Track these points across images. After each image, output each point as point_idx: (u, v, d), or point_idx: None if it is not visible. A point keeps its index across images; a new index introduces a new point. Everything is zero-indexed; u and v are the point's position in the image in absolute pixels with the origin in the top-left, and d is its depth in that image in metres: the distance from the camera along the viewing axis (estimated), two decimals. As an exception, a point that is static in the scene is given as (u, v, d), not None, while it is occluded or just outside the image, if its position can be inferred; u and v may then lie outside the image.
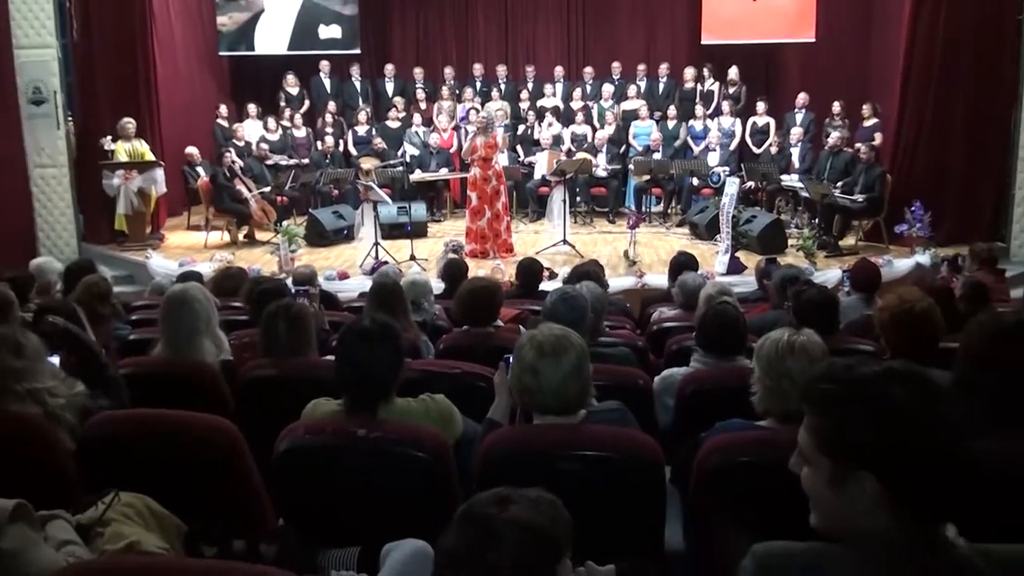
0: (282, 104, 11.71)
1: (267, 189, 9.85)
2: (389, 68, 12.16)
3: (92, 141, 9.36)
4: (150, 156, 9.45)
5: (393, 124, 11.40)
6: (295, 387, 2.90)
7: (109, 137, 9.28)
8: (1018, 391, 2.12)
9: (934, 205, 8.53)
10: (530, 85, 12.00)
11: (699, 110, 11.09)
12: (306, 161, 10.89)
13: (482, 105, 11.14)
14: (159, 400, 2.61)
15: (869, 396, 1.26)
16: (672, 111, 11.16)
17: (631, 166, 10.72)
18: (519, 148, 11.29)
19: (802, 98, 10.72)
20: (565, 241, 8.98)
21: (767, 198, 10.12)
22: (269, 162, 10.47)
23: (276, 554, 2.16)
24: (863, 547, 1.27)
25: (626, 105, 11.40)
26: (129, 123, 9.32)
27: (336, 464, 2.33)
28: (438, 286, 5.82)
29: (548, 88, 11.83)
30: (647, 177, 10.48)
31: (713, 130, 10.82)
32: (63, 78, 8.98)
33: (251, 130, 11.00)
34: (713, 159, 10.65)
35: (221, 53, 11.94)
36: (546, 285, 6.09)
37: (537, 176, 10.57)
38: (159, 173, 9.43)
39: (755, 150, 10.81)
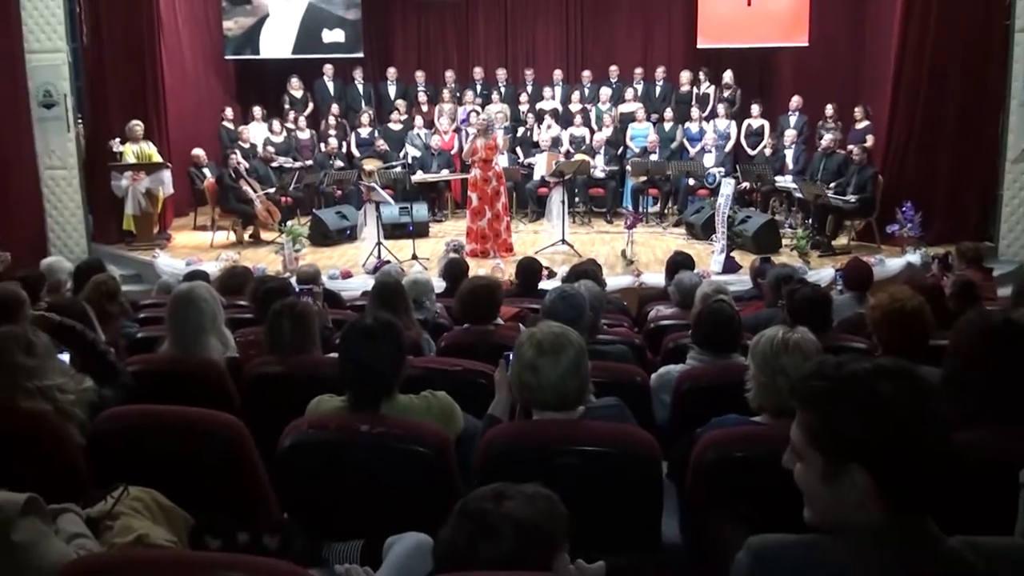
0: (286, 107, 11.75)
1: (272, 190, 9.90)
2: (391, 71, 12.19)
3: (101, 143, 9.42)
4: (157, 158, 9.51)
5: (395, 126, 11.44)
6: (299, 384, 2.92)
7: (118, 139, 9.34)
8: (1006, 387, 2.15)
9: (924, 205, 8.59)
10: (529, 88, 12.03)
11: (695, 112, 11.15)
12: (310, 162, 10.93)
13: (482, 108, 11.18)
14: (166, 397, 2.62)
15: (859, 392, 1.28)
16: (668, 113, 11.21)
17: (628, 167, 10.76)
18: (519, 150, 11.32)
19: (796, 101, 10.76)
20: (564, 241, 9.01)
21: (762, 199, 10.19)
22: (274, 164, 10.49)
23: (279, 546, 2.18)
24: (855, 540, 1.29)
25: (623, 108, 11.44)
26: (137, 125, 9.39)
27: (339, 459, 2.35)
28: (439, 285, 5.82)
29: (547, 91, 11.87)
30: (644, 178, 10.52)
31: (709, 132, 10.85)
32: (73, 82, 9.02)
33: (256, 132, 11.06)
34: (709, 160, 10.68)
35: (227, 57, 12.02)
36: (545, 284, 6.10)
37: (536, 177, 10.60)
38: (166, 174, 9.49)
39: (750, 152, 10.87)
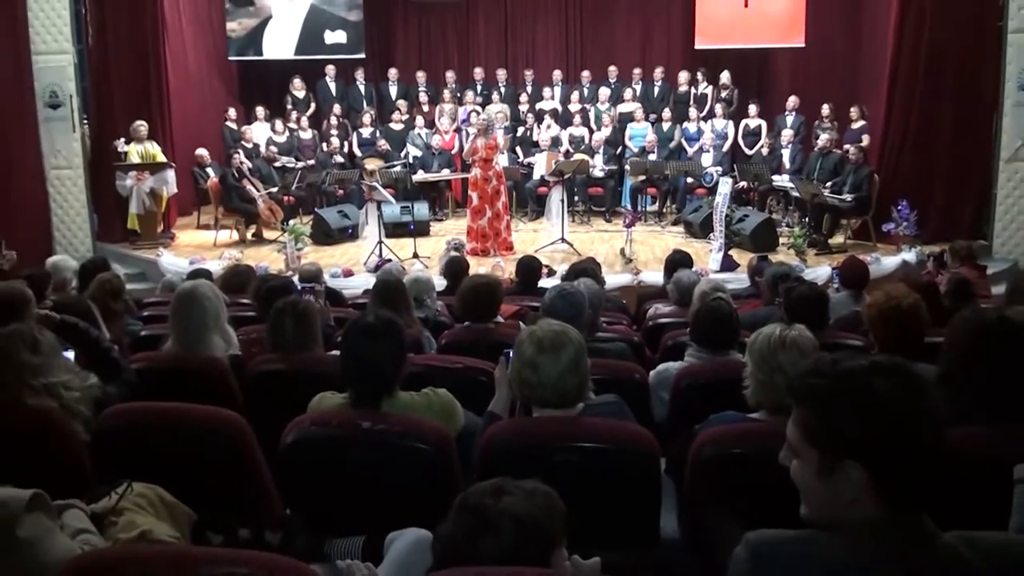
0: (289, 107, 11.77)
1: (274, 189, 9.93)
2: (393, 72, 12.21)
3: (106, 143, 9.45)
4: (161, 158, 9.54)
5: (396, 126, 11.47)
6: (301, 381, 2.92)
7: (122, 139, 9.36)
8: (1001, 384, 2.16)
9: (920, 204, 8.62)
10: (529, 88, 12.05)
11: (693, 112, 11.19)
12: (312, 162, 10.97)
13: (483, 108, 11.21)
14: (170, 394, 2.63)
15: (854, 388, 1.29)
16: (667, 113, 11.23)
17: (627, 167, 10.77)
18: (518, 149, 11.35)
19: (792, 101, 10.80)
20: (563, 239, 9.02)
21: (759, 198, 10.22)
22: (276, 163, 10.53)
23: (281, 542, 2.18)
24: (851, 536, 1.30)
25: (622, 108, 11.46)
26: (142, 126, 9.42)
27: (341, 456, 2.35)
28: (440, 283, 5.83)
29: (547, 91, 11.89)
30: (643, 177, 10.53)
31: (706, 132, 10.89)
32: (79, 83, 9.08)
33: (259, 132, 11.09)
34: (707, 160, 10.70)
35: (230, 58, 12.05)
36: (545, 282, 6.10)
37: (536, 176, 10.62)
38: (170, 174, 9.52)
39: (747, 151, 10.91)
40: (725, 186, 8.76)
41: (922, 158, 9.01)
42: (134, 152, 9.36)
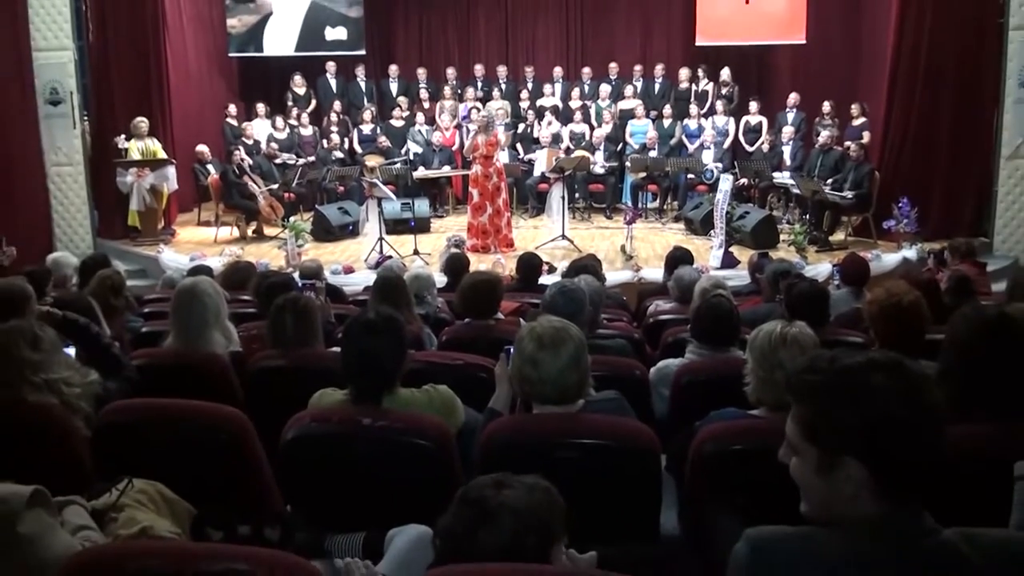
0: (289, 104, 11.76)
1: (275, 186, 9.93)
2: (393, 69, 12.20)
3: (106, 140, 9.45)
4: (162, 154, 9.54)
5: (397, 123, 11.47)
6: (302, 377, 2.93)
7: (123, 136, 9.36)
8: (1000, 381, 2.16)
9: (920, 201, 8.62)
10: (530, 85, 12.04)
11: (693, 109, 11.18)
12: (312, 159, 10.95)
13: (483, 104, 11.16)
14: (170, 390, 2.64)
15: (852, 384, 1.29)
16: (667, 110, 11.21)
17: (628, 163, 10.76)
18: (519, 146, 11.34)
19: (793, 98, 10.78)
20: (564, 236, 9.02)
21: (759, 195, 10.21)
22: (277, 160, 10.53)
23: (281, 538, 2.18)
24: (851, 532, 1.30)
25: (623, 104, 11.45)
26: (142, 122, 9.42)
27: (342, 452, 2.36)
28: (441, 280, 5.82)
29: (547, 88, 11.88)
30: (643, 174, 10.52)
31: (707, 129, 10.88)
32: (79, 79, 9.08)
33: (259, 129, 11.08)
34: (707, 157, 10.70)
35: (231, 54, 12.05)
36: (545, 279, 6.10)
37: (537, 173, 10.61)
38: (171, 171, 9.51)
39: (748, 148, 10.89)
40: (726, 183, 8.76)
41: (923, 155, 9.00)
42: (134, 149, 9.37)
